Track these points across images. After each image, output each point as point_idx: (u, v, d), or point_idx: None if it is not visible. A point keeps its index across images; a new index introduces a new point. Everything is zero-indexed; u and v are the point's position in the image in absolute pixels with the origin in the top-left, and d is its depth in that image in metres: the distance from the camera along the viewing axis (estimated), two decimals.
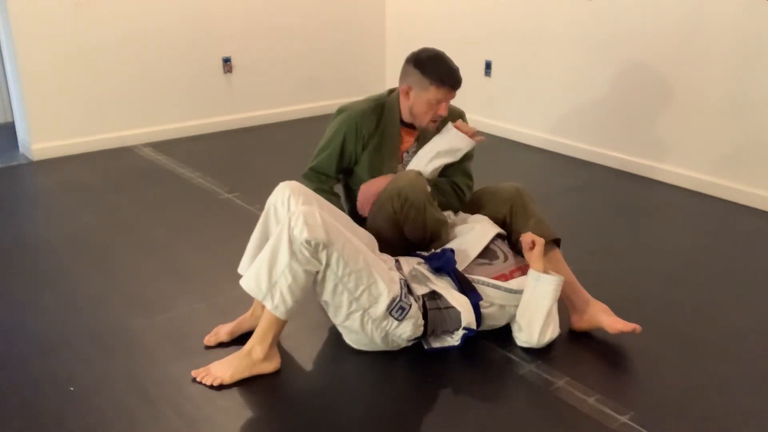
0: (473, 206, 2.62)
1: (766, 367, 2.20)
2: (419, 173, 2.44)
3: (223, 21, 4.78)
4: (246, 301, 2.60)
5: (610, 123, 4.15)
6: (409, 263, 2.33)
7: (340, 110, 2.58)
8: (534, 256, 2.28)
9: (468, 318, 2.19)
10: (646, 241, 3.18)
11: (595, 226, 3.36)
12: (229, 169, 4.09)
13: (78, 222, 3.35)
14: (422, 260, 2.36)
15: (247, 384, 2.10)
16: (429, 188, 2.44)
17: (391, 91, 2.63)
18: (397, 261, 2.34)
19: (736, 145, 3.58)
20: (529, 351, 2.26)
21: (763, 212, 3.48)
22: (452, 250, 2.32)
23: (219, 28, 4.78)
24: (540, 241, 2.30)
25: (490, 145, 4.55)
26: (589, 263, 2.87)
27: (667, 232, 3.30)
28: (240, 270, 2.34)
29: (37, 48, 4.14)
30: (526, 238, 2.32)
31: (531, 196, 2.54)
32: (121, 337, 2.37)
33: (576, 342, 2.34)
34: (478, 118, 4.87)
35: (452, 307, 2.20)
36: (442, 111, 2.48)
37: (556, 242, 2.46)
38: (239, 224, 3.30)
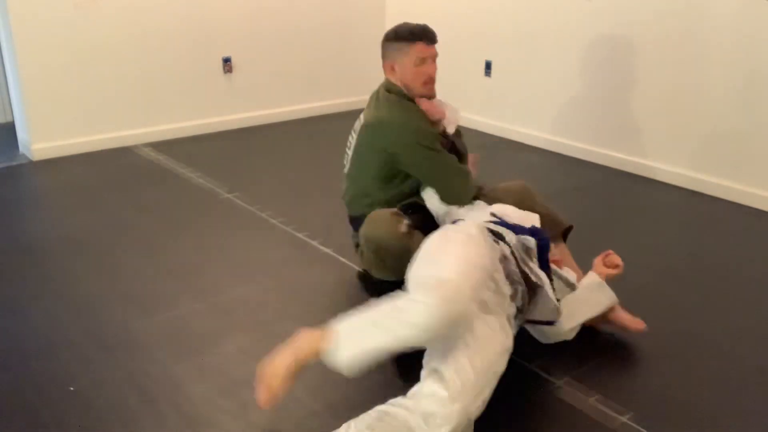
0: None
1: (766, 367, 2.20)
2: (393, 213, 2.45)
3: (223, 21, 4.78)
4: (246, 301, 2.61)
5: (609, 123, 4.15)
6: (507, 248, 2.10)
7: (396, 119, 2.52)
8: (602, 270, 2.32)
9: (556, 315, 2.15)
10: (645, 241, 3.17)
11: (595, 226, 3.36)
12: (229, 169, 4.09)
13: (78, 222, 3.35)
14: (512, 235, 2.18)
15: (246, 384, 2.10)
16: (404, 229, 2.42)
17: (388, 89, 2.63)
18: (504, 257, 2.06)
19: (736, 146, 3.58)
20: (528, 351, 2.26)
21: (763, 212, 3.48)
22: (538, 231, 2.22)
23: (219, 28, 4.78)
24: (621, 265, 2.36)
25: (491, 145, 4.55)
26: (589, 263, 2.86)
27: (667, 232, 3.30)
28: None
29: (37, 48, 4.14)
30: (615, 259, 2.35)
31: (537, 192, 2.60)
32: (121, 337, 2.37)
33: (576, 342, 2.34)
34: (478, 118, 4.87)
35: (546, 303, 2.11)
36: (430, 69, 2.52)
37: (563, 234, 2.50)
38: (239, 224, 3.31)
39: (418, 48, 2.50)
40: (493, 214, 2.27)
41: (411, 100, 2.60)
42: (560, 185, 3.89)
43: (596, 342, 2.33)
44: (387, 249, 2.40)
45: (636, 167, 4.05)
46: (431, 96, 2.63)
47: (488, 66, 4.78)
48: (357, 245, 2.73)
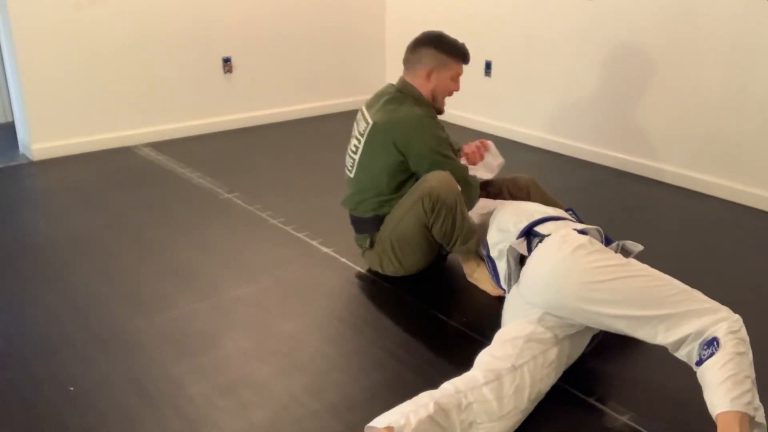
0: (492, 194, 2.77)
1: (766, 367, 2.20)
2: (449, 173, 2.53)
3: (223, 21, 4.78)
4: (246, 301, 2.61)
5: (610, 123, 4.15)
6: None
7: (416, 119, 2.56)
8: None
9: None
10: (645, 242, 3.15)
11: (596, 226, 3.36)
12: (229, 169, 4.09)
13: (78, 222, 3.35)
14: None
15: (246, 384, 2.11)
16: (460, 188, 2.53)
17: (399, 89, 2.65)
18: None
19: (735, 145, 3.58)
20: None
21: (763, 212, 3.48)
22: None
23: (219, 28, 4.78)
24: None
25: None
26: None
27: (667, 233, 3.30)
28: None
29: (37, 48, 4.14)
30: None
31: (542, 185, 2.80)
32: (121, 337, 2.37)
33: None
34: (478, 118, 4.87)
35: None
36: (457, 87, 2.68)
37: None
38: (239, 224, 3.31)
39: (459, 65, 2.65)
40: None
41: (421, 103, 2.63)
42: (560, 185, 3.88)
43: (596, 342, 2.33)
44: (444, 201, 2.47)
45: (636, 167, 4.05)
46: (441, 110, 2.72)
47: (488, 66, 4.78)
48: (371, 245, 2.72)
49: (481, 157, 2.82)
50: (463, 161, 2.81)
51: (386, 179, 2.60)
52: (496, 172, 2.82)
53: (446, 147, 2.60)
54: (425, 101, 2.64)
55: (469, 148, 2.83)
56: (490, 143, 2.88)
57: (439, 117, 2.70)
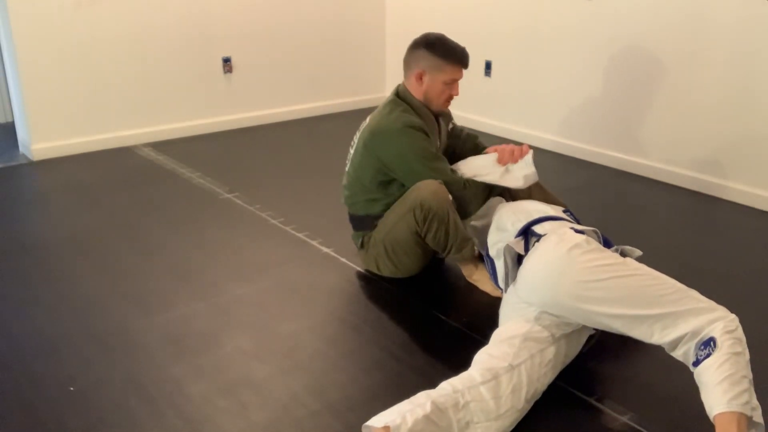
0: (494, 194, 2.74)
1: (766, 368, 2.20)
2: (441, 182, 2.49)
3: (223, 21, 4.78)
4: (246, 301, 2.61)
5: (610, 123, 4.16)
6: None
7: (396, 129, 2.52)
8: None
9: None
10: (645, 242, 3.17)
11: (595, 226, 3.36)
12: (229, 169, 4.09)
13: (78, 222, 3.35)
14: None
15: (246, 384, 2.11)
16: (451, 197, 2.50)
17: (397, 93, 2.65)
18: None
19: (736, 145, 3.58)
20: None
21: (763, 212, 3.48)
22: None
23: (219, 28, 4.78)
24: None
25: (490, 144, 4.54)
26: None
27: (667, 233, 3.30)
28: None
29: (38, 48, 4.14)
30: None
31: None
32: (121, 337, 2.37)
33: None
34: (478, 118, 4.87)
35: None
36: (455, 91, 2.60)
37: None
38: (239, 224, 3.31)
39: (455, 69, 2.55)
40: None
41: (416, 110, 2.60)
42: (560, 185, 3.88)
43: (596, 342, 2.33)
44: (436, 212, 2.45)
45: (636, 167, 4.05)
46: (444, 112, 2.71)
47: (488, 66, 4.78)
48: (362, 245, 2.74)
49: (514, 161, 2.63)
50: (488, 157, 2.71)
51: (369, 179, 2.63)
52: (521, 183, 2.60)
53: (433, 158, 2.55)
54: (421, 108, 2.60)
55: (503, 147, 2.69)
56: (529, 152, 2.66)
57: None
